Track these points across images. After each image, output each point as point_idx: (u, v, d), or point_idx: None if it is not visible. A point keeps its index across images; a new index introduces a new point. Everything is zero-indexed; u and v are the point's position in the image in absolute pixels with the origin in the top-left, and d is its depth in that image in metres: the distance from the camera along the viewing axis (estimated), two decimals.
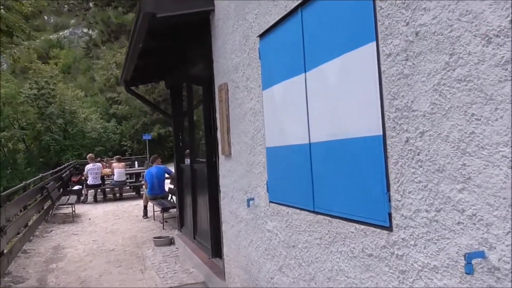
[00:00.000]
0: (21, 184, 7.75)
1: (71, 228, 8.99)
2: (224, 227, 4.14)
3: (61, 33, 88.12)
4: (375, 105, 1.79)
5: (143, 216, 9.62)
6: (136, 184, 13.99)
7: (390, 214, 1.75)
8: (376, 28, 1.77)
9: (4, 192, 6.05)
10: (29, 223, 7.91)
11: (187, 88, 6.29)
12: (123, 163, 13.74)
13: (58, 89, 29.23)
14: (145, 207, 9.63)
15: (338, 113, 2.08)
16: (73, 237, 8.09)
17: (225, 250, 4.13)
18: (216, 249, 5.08)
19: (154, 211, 9.35)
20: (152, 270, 5.64)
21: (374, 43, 1.79)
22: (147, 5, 3.69)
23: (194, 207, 6.11)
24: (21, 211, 7.57)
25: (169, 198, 9.47)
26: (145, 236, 7.75)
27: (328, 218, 2.18)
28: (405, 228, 1.66)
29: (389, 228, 1.75)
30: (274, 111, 2.81)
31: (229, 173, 3.88)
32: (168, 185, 9.79)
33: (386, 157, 1.75)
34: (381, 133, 1.77)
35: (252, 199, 3.23)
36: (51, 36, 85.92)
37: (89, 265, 6.12)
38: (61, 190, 12.89)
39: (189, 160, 6.52)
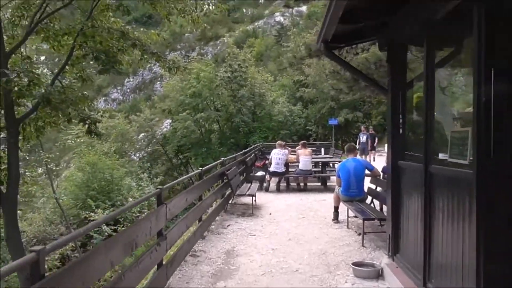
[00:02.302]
0: (197, 171, 6.66)
1: (249, 224, 7.61)
2: None
3: (256, 24, 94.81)
4: None
5: (333, 220, 7.61)
6: (323, 175, 12.14)
7: None
8: None
9: (166, 186, 4.75)
10: (204, 216, 6.75)
11: (427, 37, 3.81)
12: (309, 150, 12.06)
13: (249, 73, 29.92)
14: (336, 208, 7.60)
15: None
16: (250, 239, 6.61)
17: None
18: None
19: (348, 216, 7.23)
20: None
21: None
22: None
23: (428, 233, 3.70)
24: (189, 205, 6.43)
25: (368, 201, 7.21)
26: (338, 254, 5.68)
27: None
28: None
29: None
30: None
31: None
32: (367, 183, 7.51)
33: None
34: None
35: None
36: (247, 27, 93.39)
37: None
38: (244, 174, 11.99)
39: (418, 156, 4.11)
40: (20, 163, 11.86)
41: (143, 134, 33.00)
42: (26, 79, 6.32)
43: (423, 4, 3.71)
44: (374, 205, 7.17)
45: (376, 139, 19.31)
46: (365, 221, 6.02)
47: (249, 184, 10.31)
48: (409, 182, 4.38)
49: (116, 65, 6.51)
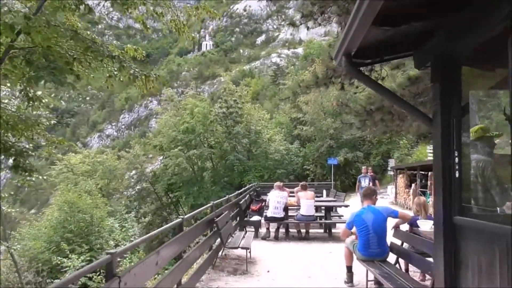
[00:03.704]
0: (178, 220, 5.26)
1: (243, 286, 6.11)
2: None
3: (252, 64, 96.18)
4: None
5: (346, 282, 6.13)
6: (327, 221, 10.69)
7: None
8: None
9: (120, 250, 3.34)
10: (184, 278, 5.26)
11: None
12: (311, 193, 10.66)
13: (245, 109, 28.98)
14: (349, 268, 6.11)
15: None
16: None
17: None
18: None
19: (367, 280, 5.76)
20: None
21: None
22: None
23: None
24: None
25: (392, 262, 5.74)
26: None
27: None
28: None
29: None
30: None
31: None
32: (390, 236, 6.07)
33: None
34: None
35: None
36: (244, 67, 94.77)
37: None
38: (237, 219, 10.51)
39: (486, 210, 2.80)
40: None
41: (134, 171, 31.51)
42: None
43: None
44: (399, 265, 5.74)
45: (377, 182, 17.31)
46: None
47: (243, 232, 8.85)
48: (478, 248, 3.02)
49: (55, 72, 5.02)
